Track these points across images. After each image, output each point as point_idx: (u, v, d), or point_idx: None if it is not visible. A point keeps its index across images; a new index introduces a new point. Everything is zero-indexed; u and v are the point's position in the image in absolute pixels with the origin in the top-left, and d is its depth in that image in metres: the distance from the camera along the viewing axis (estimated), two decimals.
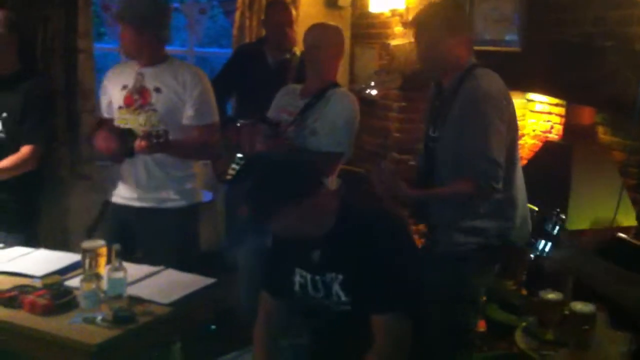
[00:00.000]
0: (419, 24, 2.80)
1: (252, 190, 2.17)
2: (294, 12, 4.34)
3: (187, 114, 3.10)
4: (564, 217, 1.96)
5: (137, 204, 3.16)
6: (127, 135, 3.01)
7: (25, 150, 3.14)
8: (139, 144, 2.90)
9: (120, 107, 3.14)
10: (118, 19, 3.14)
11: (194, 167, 3.28)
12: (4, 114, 3.12)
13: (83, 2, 4.83)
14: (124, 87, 3.15)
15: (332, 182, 3.26)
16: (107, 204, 3.26)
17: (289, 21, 4.18)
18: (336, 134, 3.14)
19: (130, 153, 3.00)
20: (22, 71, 3.18)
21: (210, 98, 3.17)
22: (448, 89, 2.74)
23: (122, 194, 3.20)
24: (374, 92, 3.44)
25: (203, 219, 4.97)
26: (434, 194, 2.75)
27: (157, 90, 3.09)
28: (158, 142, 2.83)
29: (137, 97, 3.11)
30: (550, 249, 1.90)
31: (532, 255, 1.92)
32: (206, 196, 4.91)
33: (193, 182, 3.27)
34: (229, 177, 4.01)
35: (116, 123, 3.15)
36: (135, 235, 3.15)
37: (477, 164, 2.56)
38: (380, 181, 2.70)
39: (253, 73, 4.12)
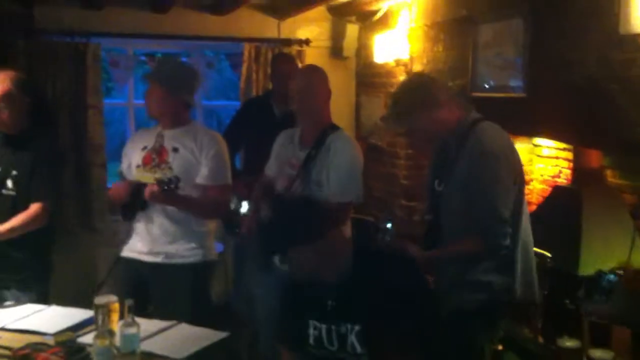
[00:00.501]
0: (394, 118, 2.85)
1: (268, 230, 2.19)
2: (299, 64, 4.40)
3: (202, 174, 3.15)
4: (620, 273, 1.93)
5: (149, 258, 3.18)
6: (141, 188, 3.06)
7: (34, 207, 3.15)
8: (149, 188, 2.97)
9: (138, 166, 3.22)
10: (150, 79, 3.23)
11: (208, 224, 3.30)
12: (14, 172, 3.15)
13: (91, 59, 4.94)
14: (144, 148, 3.24)
15: (345, 230, 3.26)
16: (119, 260, 3.27)
17: (294, 73, 4.24)
18: (342, 183, 3.14)
19: (144, 205, 3.08)
20: (31, 129, 3.22)
21: (225, 161, 3.24)
22: (452, 145, 2.76)
23: (135, 249, 3.22)
24: (380, 138, 3.44)
25: (214, 271, 4.97)
26: (442, 255, 2.74)
27: (175, 150, 3.18)
28: (169, 188, 2.90)
29: (155, 156, 3.20)
30: (599, 301, 1.88)
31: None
32: (217, 248, 4.91)
33: (207, 239, 3.28)
34: (237, 230, 4.03)
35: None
36: (147, 290, 3.14)
37: (485, 222, 2.58)
38: (385, 244, 2.72)
39: (260, 125, 4.17)
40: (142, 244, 3.20)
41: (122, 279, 3.20)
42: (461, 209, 2.65)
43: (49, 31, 4.89)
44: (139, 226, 3.21)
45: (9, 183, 3.15)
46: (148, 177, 3.14)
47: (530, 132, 3.78)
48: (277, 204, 2.40)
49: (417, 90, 2.79)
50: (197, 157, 3.16)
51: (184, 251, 3.18)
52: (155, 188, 2.96)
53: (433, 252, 2.74)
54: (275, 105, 4.28)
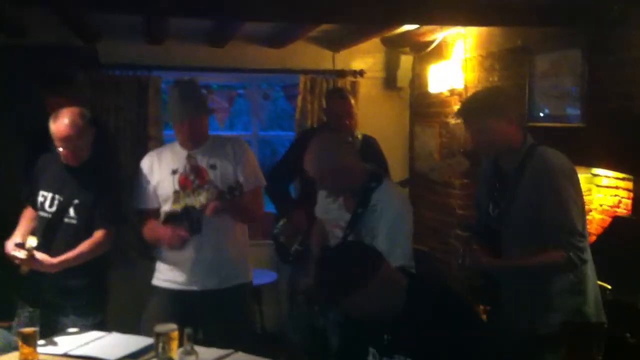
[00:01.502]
0: (465, 115, 2.87)
1: (321, 274, 2.21)
2: (352, 100, 4.42)
3: (241, 179, 3.22)
4: None
5: (198, 287, 3.21)
6: (190, 212, 3.13)
7: (98, 234, 3.23)
8: (212, 206, 3.07)
9: (176, 192, 3.23)
10: (197, 114, 3.23)
11: (246, 246, 3.38)
12: (76, 201, 3.23)
13: (153, 92, 5.09)
14: (174, 171, 3.25)
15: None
16: (156, 291, 3.33)
17: (347, 112, 4.26)
18: (392, 249, 2.80)
19: (198, 228, 3.13)
20: (93, 158, 3.31)
21: (255, 163, 3.35)
22: (511, 168, 2.76)
23: (177, 279, 3.25)
24: (440, 175, 3.38)
25: (267, 299, 5.01)
26: (526, 263, 2.71)
27: (212, 167, 3.23)
28: (234, 195, 3.03)
29: (194, 178, 3.22)
30: None
31: None
32: (270, 277, 4.95)
33: (247, 262, 3.37)
34: (291, 258, 4.06)
35: (171, 207, 3.24)
36: (195, 317, 3.17)
37: (564, 237, 2.59)
38: (462, 267, 2.69)
39: None
40: (187, 272, 3.22)
41: (166, 310, 3.16)
42: (525, 229, 2.66)
43: (112, 65, 5.07)
44: (179, 256, 3.22)
45: (72, 211, 3.24)
46: (193, 201, 3.19)
47: (588, 162, 3.72)
48: (327, 252, 2.38)
49: (495, 97, 2.89)
50: (234, 168, 3.23)
51: (232, 275, 3.24)
52: (215, 204, 3.06)
53: (512, 259, 2.73)
54: None
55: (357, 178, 2.95)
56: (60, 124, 3.14)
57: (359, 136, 4.35)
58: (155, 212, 3.30)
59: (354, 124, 4.32)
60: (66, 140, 3.16)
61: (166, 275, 3.28)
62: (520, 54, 4.16)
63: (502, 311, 2.81)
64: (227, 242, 3.25)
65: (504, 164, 2.81)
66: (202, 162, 3.25)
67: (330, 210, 3.13)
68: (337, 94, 4.53)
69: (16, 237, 3.18)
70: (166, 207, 3.26)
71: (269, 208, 4.36)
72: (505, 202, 2.75)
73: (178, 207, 3.21)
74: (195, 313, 3.19)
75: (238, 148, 3.30)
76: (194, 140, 3.27)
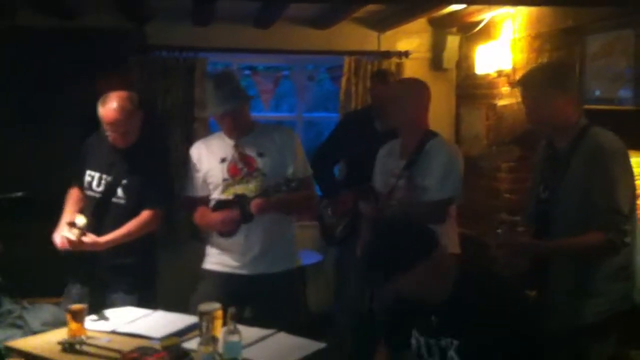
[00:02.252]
0: (526, 83, 2.84)
1: (374, 253, 2.22)
2: (396, 79, 4.39)
3: (289, 171, 3.23)
4: None
5: (247, 271, 3.26)
6: (242, 201, 3.16)
7: (146, 214, 3.29)
8: (256, 202, 3.12)
9: (225, 180, 3.26)
10: (234, 104, 3.22)
11: (294, 230, 3.41)
12: (124, 181, 3.30)
13: (199, 74, 5.12)
14: (223, 160, 3.29)
15: (450, 229, 3.32)
16: (206, 274, 3.37)
17: (391, 96, 4.22)
18: (439, 180, 3.21)
19: (250, 217, 3.16)
20: (142, 140, 3.36)
21: (302, 153, 3.37)
22: (563, 149, 2.72)
23: (229, 263, 3.29)
24: (490, 162, 3.46)
25: (312, 280, 5.04)
26: (564, 244, 2.68)
27: (260, 155, 3.25)
28: (289, 188, 3.07)
29: (242, 166, 3.25)
30: None
31: None
32: (315, 258, 4.98)
33: (295, 246, 3.40)
34: (336, 240, 4.06)
35: (220, 196, 3.27)
36: (243, 300, 3.20)
37: (606, 217, 2.54)
38: (499, 243, 2.67)
39: (361, 139, 4.18)
40: (236, 258, 3.27)
41: (217, 293, 3.16)
42: (574, 211, 2.62)
43: (159, 47, 5.12)
44: (229, 240, 3.27)
45: (119, 192, 3.30)
46: (242, 189, 3.22)
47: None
48: (380, 229, 2.42)
49: (557, 70, 2.91)
50: (283, 155, 3.25)
51: (281, 259, 3.27)
52: (260, 202, 3.10)
53: (551, 242, 2.70)
54: (377, 121, 4.28)
55: (425, 120, 3.37)
56: (109, 108, 3.20)
57: None
58: (205, 200, 3.34)
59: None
60: (115, 124, 3.21)
61: (217, 259, 3.33)
62: (571, 34, 4.06)
63: (547, 297, 2.77)
64: (276, 228, 3.27)
65: (557, 143, 2.77)
66: (250, 150, 3.27)
67: (387, 162, 3.43)
68: (381, 75, 4.49)
69: (65, 219, 3.25)
70: (216, 195, 3.30)
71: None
72: (556, 182, 2.71)
73: (229, 195, 3.25)
74: (244, 296, 3.23)
75: (287, 137, 3.33)
76: (238, 129, 3.28)
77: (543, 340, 2.18)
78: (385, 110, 4.17)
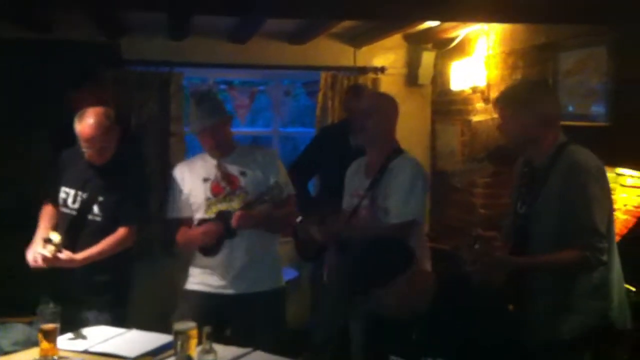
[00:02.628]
0: (502, 102, 2.85)
1: (352, 274, 2.21)
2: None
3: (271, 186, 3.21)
4: None
5: (229, 290, 3.22)
6: (225, 215, 3.15)
7: (122, 231, 3.26)
8: (238, 215, 3.10)
9: (208, 199, 3.24)
10: (215, 120, 3.22)
11: (279, 250, 3.39)
12: (101, 198, 3.26)
13: (175, 88, 5.10)
14: (206, 179, 3.27)
15: (424, 261, 3.24)
16: (188, 294, 3.33)
17: (359, 110, 4.22)
18: (401, 202, 3.12)
19: (233, 232, 3.16)
20: (117, 156, 3.33)
21: (284, 172, 3.36)
22: (540, 165, 2.74)
23: (210, 282, 3.25)
24: (461, 181, 3.44)
25: (289, 296, 5.00)
26: (540, 261, 2.68)
27: (243, 173, 3.24)
28: (267, 200, 3.08)
29: (225, 184, 3.24)
30: None
31: None
32: (291, 274, 4.95)
33: (280, 266, 3.39)
34: (312, 255, 4.04)
35: (203, 215, 3.25)
36: (225, 320, 3.20)
37: (582, 236, 2.55)
38: (474, 259, 2.66)
39: (335, 154, 4.18)
40: (219, 276, 3.23)
41: (195, 312, 3.11)
42: (551, 227, 2.63)
43: (134, 61, 5.09)
44: (212, 260, 3.24)
45: (95, 209, 3.26)
46: (226, 207, 3.20)
47: (613, 161, 3.66)
48: (350, 247, 2.43)
49: (538, 88, 2.91)
50: (265, 174, 3.24)
51: (264, 278, 3.26)
52: (242, 214, 3.10)
53: (527, 258, 2.70)
54: (352, 136, 4.27)
55: (391, 136, 3.30)
56: (86, 124, 3.17)
57: None
58: (188, 221, 3.31)
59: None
60: (91, 140, 3.18)
61: (199, 279, 3.29)
62: (545, 51, 4.11)
63: (525, 312, 2.78)
64: (259, 246, 3.26)
65: (534, 160, 2.79)
66: (232, 169, 3.26)
67: (352, 181, 3.37)
68: (355, 90, 4.50)
69: (39, 235, 3.20)
70: (199, 215, 3.28)
71: None
72: (533, 198, 2.72)
73: (212, 215, 3.23)
74: (227, 316, 3.23)
75: (269, 156, 3.35)
76: (219, 146, 3.27)
77: (522, 356, 2.18)
78: (356, 125, 4.19)
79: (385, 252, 2.20)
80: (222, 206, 3.22)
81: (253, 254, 3.23)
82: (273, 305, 3.29)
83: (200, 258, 3.29)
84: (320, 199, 4.30)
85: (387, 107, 3.33)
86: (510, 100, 2.80)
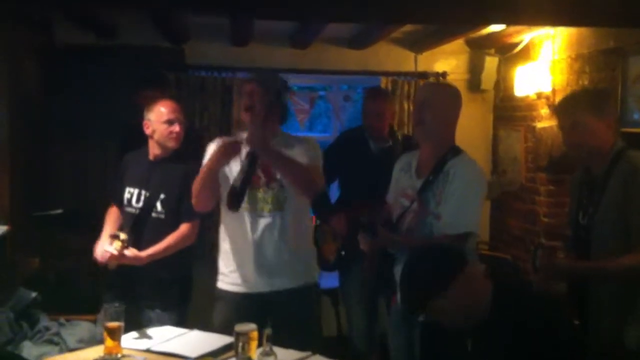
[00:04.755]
0: (562, 110, 2.82)
1: (403, 281, 2.18)
2: (387, 101, 4.33)
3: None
4: None
5: (263, 288, 3.08)
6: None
7: (184, 227, 3.30)
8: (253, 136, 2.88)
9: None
10: (251, 81, 3.07)
11: (310, 246, 3.25)
12: (162, 196, 3.31)
13: (237, 93, 5.14)
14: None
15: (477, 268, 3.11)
16: (222, 293, 3.20)
17: (378, 113, 4.14)
18: (455, 212, 2.76)
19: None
20: (179, 153, 3.39)
21: (319, 160, 3.09)
22: (599, 173, 2.68)
23: (241, 282, 3.11)
24: (492, 194, 3.18)
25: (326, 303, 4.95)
26: (605, 265, 2.59)
27: None
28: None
29: (262, 175, 3.04)
30: None
31: None
32: (333, 281, 4.90)
33: (309, 262, 3.20)
34: (331, 264, 3.94)
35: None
36: (259, 319, 3.11)
37: None
38: (539, 267, 2.61)
39: (356, 159, 4.13)
40: (252, 275, 3.08)
41: (231, 313, 3.06)
42: (613, 235, 2.56)
43: (197, 66, 5.19)
44: (244, 257, 3.09)
45: (159, 206, 3.32)
46: (261, 199, 3.02)
47: None
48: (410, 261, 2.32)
49: (593, 95, 2.86)
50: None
51: (296, 275, 3.08)
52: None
53: (591, 263, 2.63)
54: (371, 140, 4.21)
55: (450, 134, 2.93)
56: (164, 103, 3.32)
57: (399, 136, 4.28)
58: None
59: (385, 126, 4.19)
60: (176, 112, 3.31)
61: (231, 277, 3.15)
62: (613, 56, 4.00)
63: (588, 322, 2.70)
64: (286, 244, 3.07)
65: (593, 168, 2.74)
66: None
67: (400, 179, 3.04)
68: (374, 92, 4.44)
69: (105, 235, 3.28)
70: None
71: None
72: (593, 207, 2.66)
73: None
74: (258, 315, 2.96)
75: (301, 144, 3.07)
76: (248, 116, 2.99)
77: None
78: (378, 127, 4.09)
79: (440, 260, 2.17)
80: (259, 197, 3.02)
81: (281, 251, 3.04)
82: (302, 302, 3.09)
83: (231, 253, 3.14)
84: (341, 205, 4.20)
85: (446, 98, 2.96)
86: (567, 109, 2.77)
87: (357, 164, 3.97)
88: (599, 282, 2.67)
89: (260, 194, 3.05)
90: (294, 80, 5.69)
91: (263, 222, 3.03)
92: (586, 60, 4.31)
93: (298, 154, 2.99)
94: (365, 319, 4.21)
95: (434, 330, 2.30)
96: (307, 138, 3.26)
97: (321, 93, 5.80)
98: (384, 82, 5.36)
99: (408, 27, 4.87)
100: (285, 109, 3.19)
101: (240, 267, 3.11)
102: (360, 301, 4.17)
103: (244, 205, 3.01)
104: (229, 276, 3.14)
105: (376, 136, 4.16)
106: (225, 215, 3.13)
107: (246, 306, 3.06)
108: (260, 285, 3.08)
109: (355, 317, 4.26)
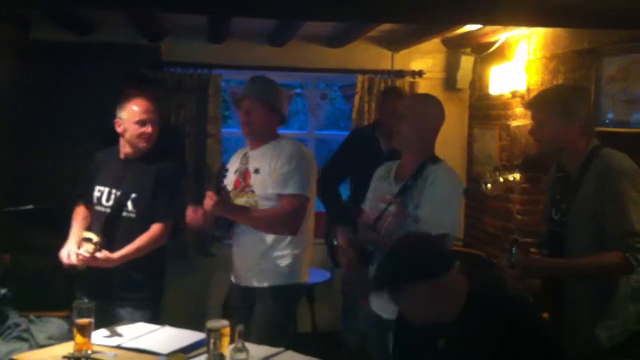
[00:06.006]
0: (535, 106, 2.82)
1: (384, 266, 2.18)
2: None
3: (273, 183, 3.12)
4: None
5: (244, 282, 3.24)
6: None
7: (156, 228, 3.26)
8: (207, 199, 3.03)
9: (231, 191, 3.23)
10: (248, 97, 3.21)
11: (297, 246, 3.21)
12: (134, 195, 3.27)
13: (213, 90, 5.14)
14: (236, 171, 3.29)
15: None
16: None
17: (398, 110, 4.17)
18: (435, 214, 2.83)
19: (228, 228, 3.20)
20: (153, 152, 3.34)
21: (300, 170, 3.10)
22: (573, 171, 2.70)
23: (233, 276, 3.33)
24: (490, 190, 3.21)
25: (321, 299, 5.00)
26: (580, 263, 2.61)
27: (256, 171, 3.19)
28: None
29: (242, 180, 3.24)
30: None
31: None
32: (324, 276, 4.94)
33: (295, 262, 3.21)
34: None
35: None
36: (242, 314, 3.19)
37: (620, 240, 2.49)
38: (513, 264, 2.62)
39: (366, 157, 4.14)
40: (237, 268, 3.29)
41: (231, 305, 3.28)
42: (587, 232, 2.58)
43: (173, 63, 5.16)
44: (235, 251, 3.30)
45: (130, 205, 3.28)
46: (246, 203, 3.19)
47: None
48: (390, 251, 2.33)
49: (566, 93, 2.82)
50: (274, 171, 3.11)
51: (269, 274, 3.16)
52: (212, 198, 3.00)
53: (566, 260, 2.64)
54: (382, 140, 4.24)
55: (429, 143, 3.00)
56: (137, 102, 3.25)
57: None
58: None
59: None
60: (149, 112, 3.25)
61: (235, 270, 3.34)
62: (587, 56, 4.04)
63: (562, 319, 2.73)
64: (267, 243, 3.16)
65: (567, 166, 2.75)
66: (251, 164, 3.23)
67: (378, 187, 3.11)
68: (393, 92, 4.46)
69: (73, 236, 3.23)
70: None
71: (320, 207, 4.31)
72: (567, 204, 2.68)
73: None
74: (237, 308, 3.26)
75: (289, 151, 3.14)
76: (250, 132, 3.24)
77: None
78: (390, 127, 4.14)
79: (420, 251, 2.17)
80: (241, 201, 3.19)
81: (257, 248, 3.17)
82: (276, 301, 3.16)
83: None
84: (354, 202, 4.26)
85: (426, 110, 3.03)
86: (544, 105, 2.76)
87: (368, 162, 4.00)
88: (572, 281, 2.69)
89: (237, 197, 3.18)
90: (270, 78, 5.68)
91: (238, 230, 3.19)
92: (561, 61, 4.35)
93: (274, 169, 3.11)
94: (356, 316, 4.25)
95: (406, 330, 2.30)
96: (300, 151, 3.20)
97: (298, 90, 5.79)
98: (360, 80, 5.37)
99: (385, 26, 4.88)
100: (282, 114, 3.29)
101: (232, 260, 3.32)
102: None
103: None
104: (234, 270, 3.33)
105: (388, 135, 4.18)
106: None
107: (235, 295, 3.27)
108: (244, 281, 3.23)
109: (356, 311, 4.28)
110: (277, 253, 3.17)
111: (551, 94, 2.90)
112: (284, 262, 3.18)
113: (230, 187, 3.23)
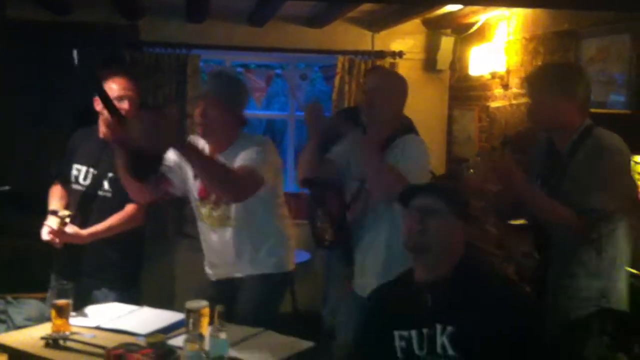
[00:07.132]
0: (532, 83, 2.82)
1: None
2: None
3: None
4: None
5: (225, 274, 3.13)
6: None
7: (130, 208, 3.24)
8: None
9: (197, 200, 3.06)
10: (209, 96, 2.97)
11: (283, 233, 3.19)
12: (110, 174, 3.24)
13: (192, 70, 5.09)
14: (195, 176, 3.00)
15: None
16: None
17: (367, 86, 4.17)
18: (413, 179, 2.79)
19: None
20: None
21: (260, 158, 2.88)
22: (564, 149, 2.72)
23: (209, 266, 3.19)
24: (473, 176, 3.22)
25: (301, 279, 5.00)
26: (543, 198, 2.65)
27: None
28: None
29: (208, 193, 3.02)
30: None
31: None
32: (304, 257, 4.95)
33: (282, 250, 3.18)
34: (327, 243, 4.00)
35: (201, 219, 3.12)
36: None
37: (584, 207, 2.54)
38: (484, 172, 2.66)
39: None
40: (218, 260, 3.13)
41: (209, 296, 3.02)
42: (574, 206, 2.59)
43: (152, 43, 5.09)
44: (212, 243, 3.12)
45: (106, 184, 3.25)
46: (207, 215, 3.03)
47: (633, 149, 3.62)
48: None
49: (564, 72, 2.81)
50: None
51: (258, 263, 3.06)
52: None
53: (538, 190, 2.70)
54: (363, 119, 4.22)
55: (397, 117, 3.06)
56: (115, 80, 3.20)
57: None
58: None
59: None
60: (127, 89, 3.19)
61: (205, 262, 3.22)
62: (567, 37, 4.05)
63: (544, 294, 2.77)
64: (252, 231, 3.05)
65: (558, 143, 2.76)
66: None
67: (353, 163, 3.13)
68: (377, 71, 4.44)
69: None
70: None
71: (299, 189, 4.28)
72: (555, 179, 2.70)
73: (206, 220, 3.08)
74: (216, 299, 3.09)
75: (252, 145, 2.92)
76: (205, 133, 2.95)
77: (541, 337, 2.17)
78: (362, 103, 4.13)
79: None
80: (206, 213, 3.04)
81: (246, 237, 3.04)
82: (267, 288, 3.09)
83: (202, 242, 3.17)
84: (335, 185, 4.25)
85: (396, 86, 3.10)
86: (545, 85, 2.74)
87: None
88: (555, 257, 2.71)
89: (208, 210, 3.04)
90: (250, 58, 5.65)
91: (216, 234, 3.07)
92: (540, 42, 4.36)
93: (242, 156, 2.87)
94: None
95: (380, 298, 2.38)
96: (263, 141, 3.02)
97: (278, 71, 5.75)
98: (340, 61, 5.35)
99: (366, 7, 4.85)
100: (242, 116, 3.04)
101: (207, 252, 3.18)
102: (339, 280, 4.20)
103: (200, 216, 3.09)
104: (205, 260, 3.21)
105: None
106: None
107: (211, 289, 3.15)
108: (224, 274, 3.13)
109: (336, 291, 4.28)
110: (264, 241, 3.08)
111: (551, 73, 2.84)
112: (271, 249, 3.10)
113: (194, 196, 3.06)
